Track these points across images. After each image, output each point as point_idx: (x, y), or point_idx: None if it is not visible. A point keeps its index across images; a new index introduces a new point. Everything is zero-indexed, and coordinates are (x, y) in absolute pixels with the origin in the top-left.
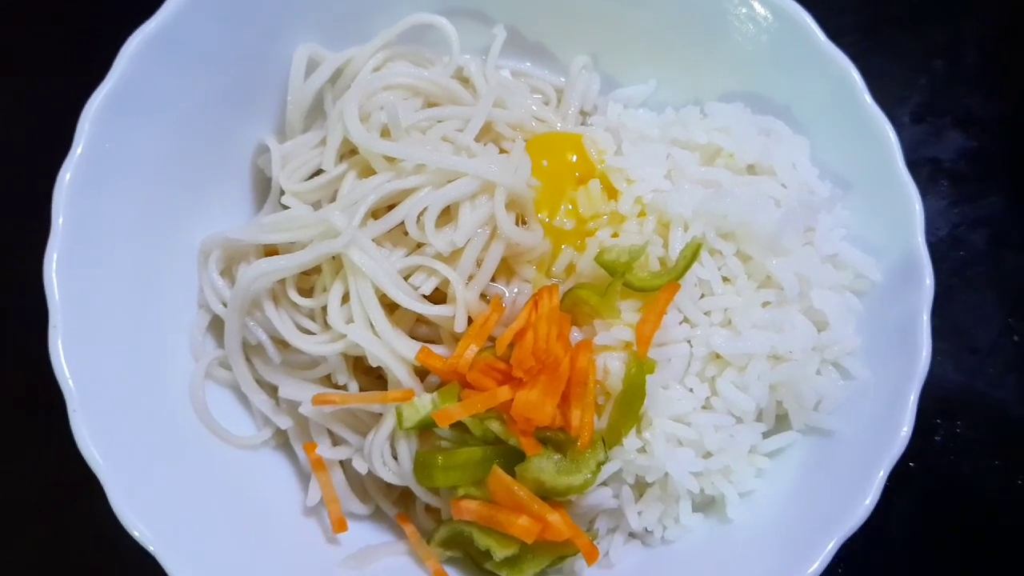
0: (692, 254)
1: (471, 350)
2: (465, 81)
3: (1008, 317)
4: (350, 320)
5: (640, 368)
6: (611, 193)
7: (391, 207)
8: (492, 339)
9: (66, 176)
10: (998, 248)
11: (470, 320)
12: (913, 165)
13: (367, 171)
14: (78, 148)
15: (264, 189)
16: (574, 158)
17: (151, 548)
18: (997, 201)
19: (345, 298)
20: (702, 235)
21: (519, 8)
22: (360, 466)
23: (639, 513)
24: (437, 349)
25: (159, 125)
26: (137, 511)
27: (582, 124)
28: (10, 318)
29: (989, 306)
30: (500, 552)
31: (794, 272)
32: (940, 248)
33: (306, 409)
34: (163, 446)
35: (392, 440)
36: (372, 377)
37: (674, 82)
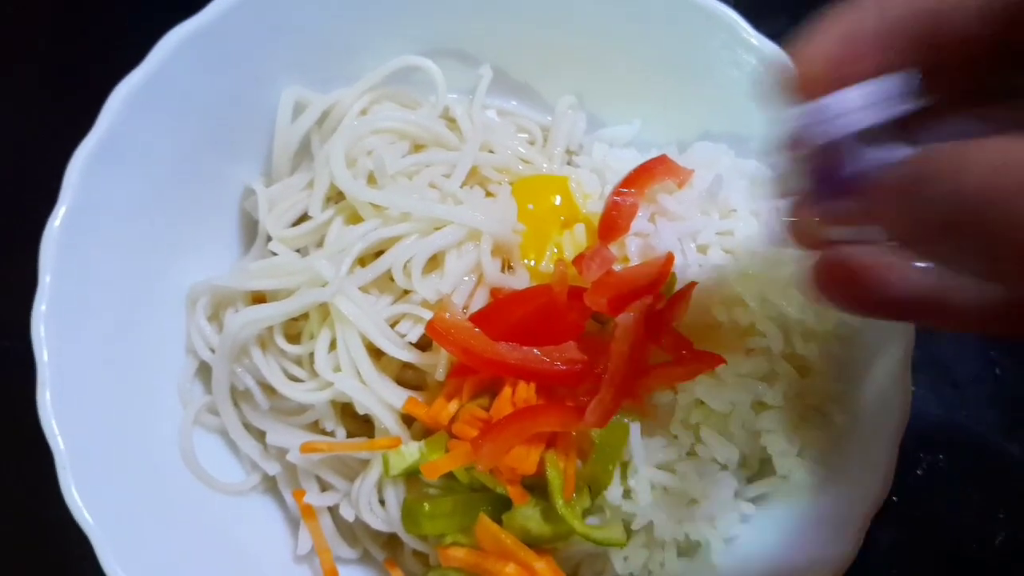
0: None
1: (453, 404)
2: (452, 121)
3: (990, 350)
4: (337, 368)
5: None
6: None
7: (378, 253)
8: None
9: (52, 231)
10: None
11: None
12: None
13: (354, 217)
14: (64, 203)
15: (251, 231)
16: (558, 201)
17: None
18: None
19: (332, 344)
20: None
21: (505, 49)
22: (348, 513)
23: (625, 559)
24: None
25: (147, 174)
26: (126, 566)
27: (568, 164)
28: None
29: (970, 339)
30: None
31: (777, 319)
32: None
33: (294, 457)
34: (152, 497)
35: (379, 487)
36: (360, 422)
37: (659, 123)
